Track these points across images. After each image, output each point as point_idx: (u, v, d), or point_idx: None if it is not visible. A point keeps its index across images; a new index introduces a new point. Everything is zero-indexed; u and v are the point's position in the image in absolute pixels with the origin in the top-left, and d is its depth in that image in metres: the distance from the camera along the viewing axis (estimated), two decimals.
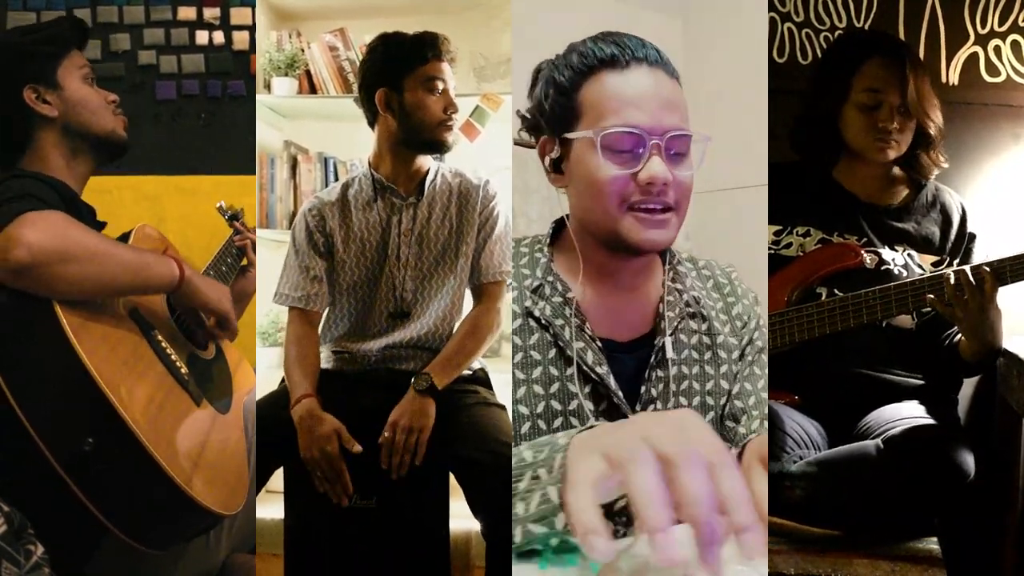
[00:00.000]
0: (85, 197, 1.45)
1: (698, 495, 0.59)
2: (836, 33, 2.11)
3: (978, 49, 2.07)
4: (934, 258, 1.76)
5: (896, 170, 1.80)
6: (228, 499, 1.26)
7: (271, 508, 1.86)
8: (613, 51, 1.06)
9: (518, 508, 0.78)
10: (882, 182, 1.81)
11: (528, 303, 1.11)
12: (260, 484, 1.63)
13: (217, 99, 2.22)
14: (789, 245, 1.79)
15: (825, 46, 2.10)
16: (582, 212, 1.11)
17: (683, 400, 1.13)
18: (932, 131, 1.73)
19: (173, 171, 2.20)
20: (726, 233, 2.02)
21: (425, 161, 1.79)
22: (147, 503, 1.15)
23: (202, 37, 2.22)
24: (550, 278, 1.12)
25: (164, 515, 1.17)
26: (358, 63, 2.16)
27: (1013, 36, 2.05)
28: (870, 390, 1.73)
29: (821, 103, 1.78)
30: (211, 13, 2.23)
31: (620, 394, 1.09)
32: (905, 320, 1.73)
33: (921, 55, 2.05)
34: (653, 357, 1.12)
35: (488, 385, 1.82)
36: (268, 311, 2.39)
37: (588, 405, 1.08)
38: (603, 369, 1.09)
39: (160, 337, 1.33)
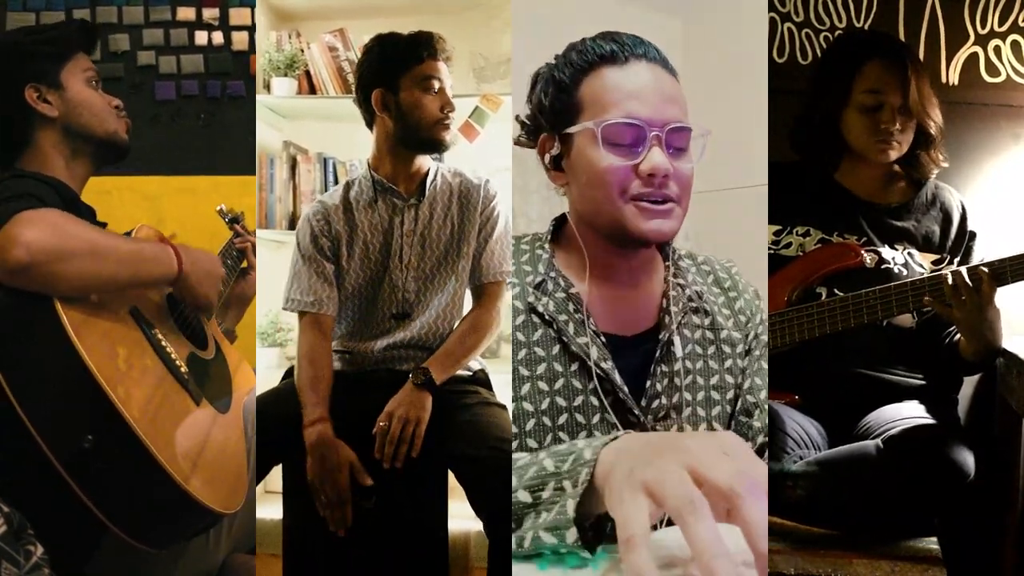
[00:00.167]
0: (84, 198, 1.45)
1: (760, 529, 0.62)
2: (836, 33, 2.11)
3: (978, 49, 2.07)
4: (934, 256, 1.76)
5: (896, 169, 1.80)
6: (228, 498, 1.26)
7: (271, 508, 1.86)
8: (612, 47, 1.07)
9: (535, 515, 0.78)
10: (882, 181, 1.81)
11: (531, 299, 1.11)
12: (259, 479, 1.63)
13: (216, 99, 2.23)
14: (789, 245, 1.79)
15: (825, 46, 2.10)
16: (584, 206, 1.11)
17: (688, 395, 1.13)
18: (932, 131, 1.73)
19: (172, 172, 2.20)
20: (726, 233, 2.02)
21: (425, 161, 1.79)
22: (147, 502, 1.14)
23: (201, 38, 2.23)
24: (552, 274, 1.13)
25: (164, 514, 1.17)
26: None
27: (1013, 36, 2.06)
28: (870, 390, 1.73)
29: (821, 104, 1.78)
30: (210, 14, 2.23)
31: (626, 389, 1.09)
32: (905, 319, 1.73)
33: (921, 55, 2.05)
34: (658, 352, 1.12)
35: (488, 386, 1.82)
36: (268, 312, 2.38)
37: (593, 401, 1.08)
38: (608, 364, 1.09)
39: (160, 336, 1.33)
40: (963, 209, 1.80)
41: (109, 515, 1.10)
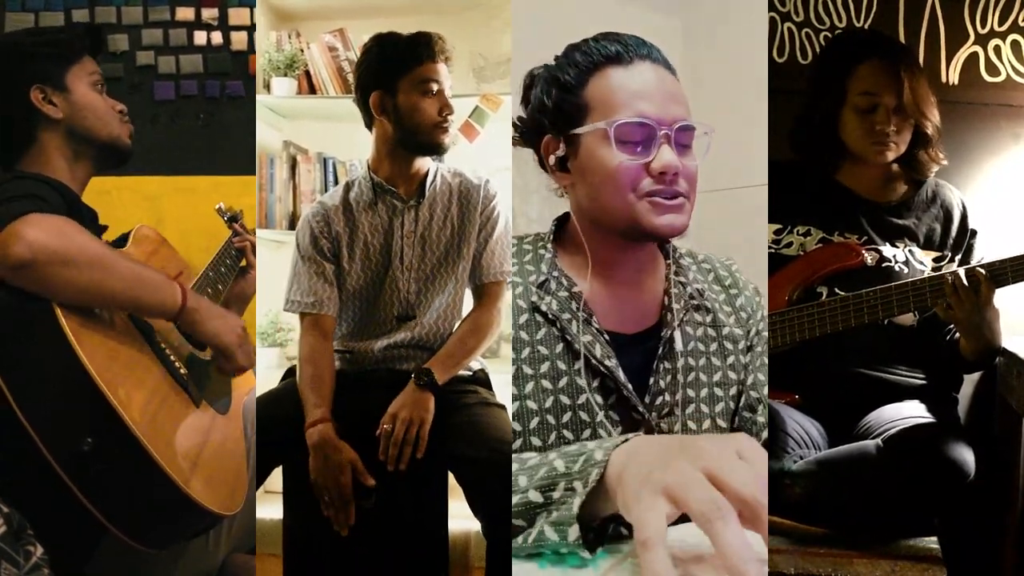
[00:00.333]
0: (84, 198, 1.45)
1: (765, 532, 0.64)
2: (836, 33, 2.11)
3: (978, 49, 2.07)
4: (935, 254, 1.76)
5: (895, 167, 1.80)
6: (227, 499, 1.26)
7: (270, 508, 1.86)
8: (617, 48, 1.09)
9: (546, 515, 0.79)
10: (882, 180, 1.81)
11: (534, 298, 1.11)
12: (259, 481, 1.63)
13: (215, 99, 2.22)
14: (789, 244, 1.79)
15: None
16: (593, 204, 1.12)
17: (691, 392, 1.14)
18: (930, 130, 1.72)
19: (172, 171, 2.20)
20: (726, 233, 2.02)
21: (424, 162, 1.78)
22: (146, 503, 1.14)
23: (200, 38, 2.22)
24: (555, 273, 1.13)
25: (163, 515, 1.17)
26: None
27: (1013, 36, 2.05)
28: (870, 389, 1.73)
29: (819, 104, 1.78)
30: (209, 14, 2.23)
31: (630, 386, 1.10)
32: (907, 318, 1.73)
33: (921, 55, 2.06)
34: (660, 349, 1.13)
35: (488, 386, 1.82)
36: (268, 311, 2.38)
37: (597, 399, 1.08)
38: (612, 362, 1.09)
39: (159, 337, 1.33)
40: (963, 207, 1.80)
41: (109, 516, 1.10)
